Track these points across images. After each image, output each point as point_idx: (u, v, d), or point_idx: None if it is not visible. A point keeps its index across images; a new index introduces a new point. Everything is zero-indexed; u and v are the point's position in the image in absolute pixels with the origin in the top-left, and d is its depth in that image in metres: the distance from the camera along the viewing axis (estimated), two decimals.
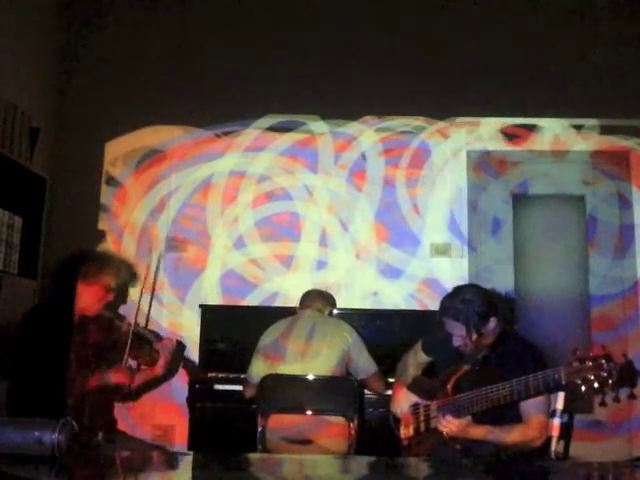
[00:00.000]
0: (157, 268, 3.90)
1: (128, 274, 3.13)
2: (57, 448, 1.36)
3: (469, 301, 2.54)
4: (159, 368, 2.83)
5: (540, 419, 2.51)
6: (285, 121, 4.35)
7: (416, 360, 2.88)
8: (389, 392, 3.07)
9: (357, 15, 4.40)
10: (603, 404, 2.26)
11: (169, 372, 3.13)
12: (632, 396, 2.43)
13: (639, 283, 4.11)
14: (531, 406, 2.49)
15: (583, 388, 2.24)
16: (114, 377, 2.75)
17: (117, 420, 2.95)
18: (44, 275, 3.95)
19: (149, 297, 3.76)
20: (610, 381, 2.21)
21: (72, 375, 2.68)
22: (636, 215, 4.17)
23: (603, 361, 2.23)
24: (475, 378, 2.56)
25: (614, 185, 4.25)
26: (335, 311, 3.68)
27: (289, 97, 4.31)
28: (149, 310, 3.71)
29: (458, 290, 2.65)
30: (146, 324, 3.59)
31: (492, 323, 2.57)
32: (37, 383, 2.54)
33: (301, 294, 3.46)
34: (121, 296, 3.60)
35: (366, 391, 3.35)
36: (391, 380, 3.07)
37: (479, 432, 2.50)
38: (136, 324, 2.87)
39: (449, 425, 2.50)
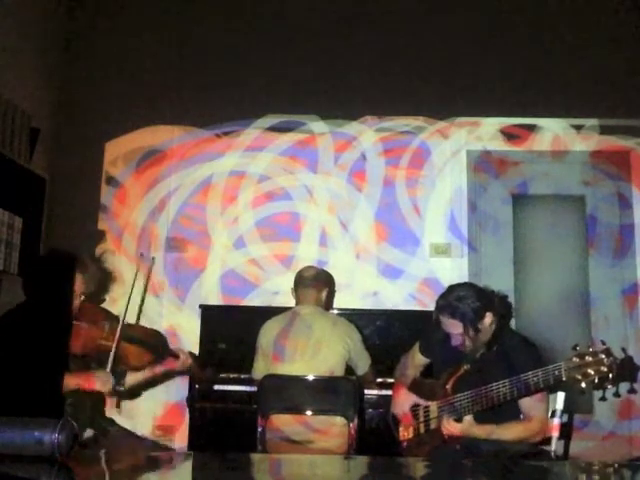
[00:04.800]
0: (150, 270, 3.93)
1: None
2: (57, 448, 1.35)
3: (464, 298, 2.56)
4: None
5: (541, 414, 2.53)
6: (285, 121, 4.34)
7: (414, 362, 2.88)
8: (388, 392, 3.07)
9: (357, 15, 4.40)
10: (603, 399, 2.26)
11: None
12: (632, 391, 2.44)
13: (639, 283, 4.12)
14: (532, 402, 2.50)
15: (583, 384, 2.25)
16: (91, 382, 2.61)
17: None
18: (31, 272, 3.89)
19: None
20: (610, 376, 2.22)
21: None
22: (636, 215, 4.17)
23: (603, 356, 2.24)
24: (474, 377, 2.57)
25: (614, 185, 4.25)
26: (335, 311, 3.68)
27: (289, 97, 4.31)
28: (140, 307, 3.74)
29: (452, 288, 2.67)
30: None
31: (488, 318, 2.58)
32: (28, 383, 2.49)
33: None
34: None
35: (366, 391, 3.35)
36: (391, 381, 3.07)
37: (482, 431, 2.50)
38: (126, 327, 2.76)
39: (452, 429, 2.51)
